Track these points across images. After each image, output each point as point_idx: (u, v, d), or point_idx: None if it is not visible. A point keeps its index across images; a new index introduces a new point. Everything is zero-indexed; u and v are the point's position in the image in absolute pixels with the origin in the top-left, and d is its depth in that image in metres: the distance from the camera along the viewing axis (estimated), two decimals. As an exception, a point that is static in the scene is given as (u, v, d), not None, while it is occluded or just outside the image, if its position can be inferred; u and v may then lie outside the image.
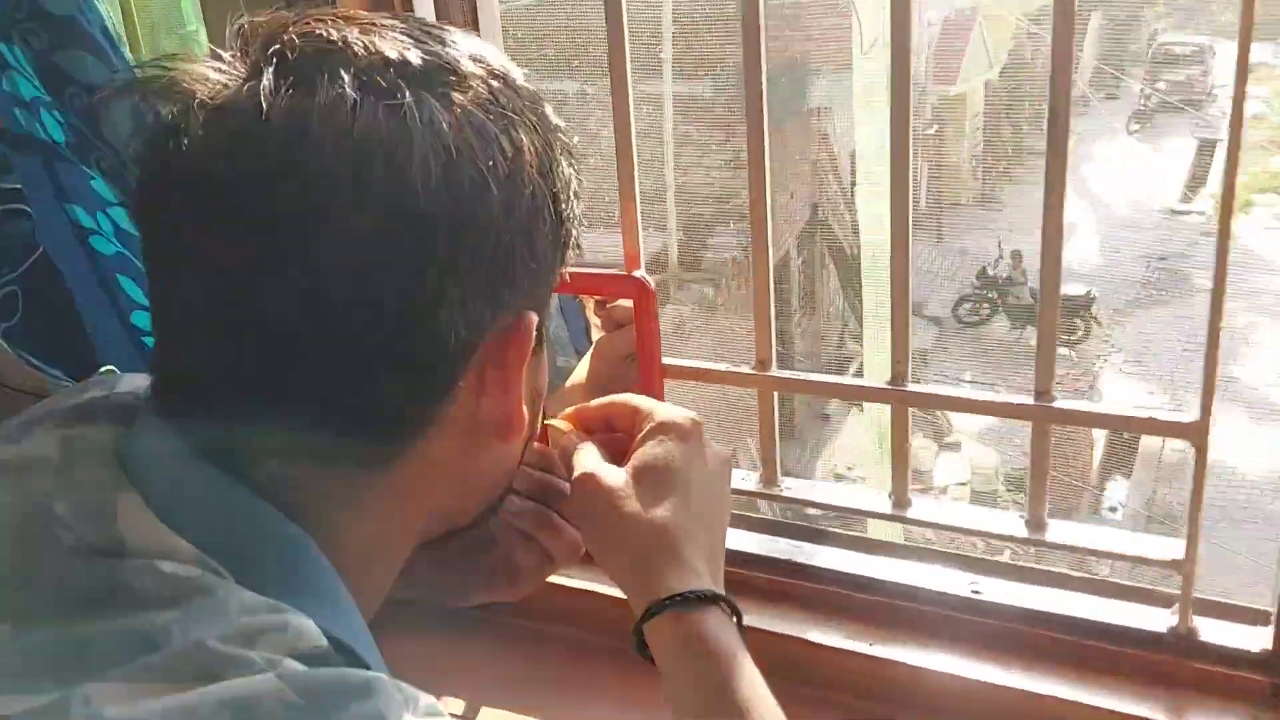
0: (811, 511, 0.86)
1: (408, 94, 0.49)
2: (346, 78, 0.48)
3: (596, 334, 0.84)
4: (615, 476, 0.63)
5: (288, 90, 0.48)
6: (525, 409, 0.57)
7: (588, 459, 0.65)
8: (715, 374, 0.81)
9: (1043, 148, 0.68)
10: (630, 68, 0.77)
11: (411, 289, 0.49)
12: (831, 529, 0.83)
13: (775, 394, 0.80)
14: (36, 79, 0.73)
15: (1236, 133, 0.64)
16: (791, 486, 0.82)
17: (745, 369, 0.80)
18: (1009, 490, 6.67)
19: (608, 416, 0.69)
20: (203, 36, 0.91)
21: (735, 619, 0.60)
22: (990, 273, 9.39)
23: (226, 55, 0.51)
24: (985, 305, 8.76)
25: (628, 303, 0.79)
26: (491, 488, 0.64)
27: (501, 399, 0.55)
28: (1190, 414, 0.67)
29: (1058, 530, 0.74)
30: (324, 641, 0.46)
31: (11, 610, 0.48)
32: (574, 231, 0.58)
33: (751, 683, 0.59)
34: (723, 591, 0.61)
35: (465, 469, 0.58)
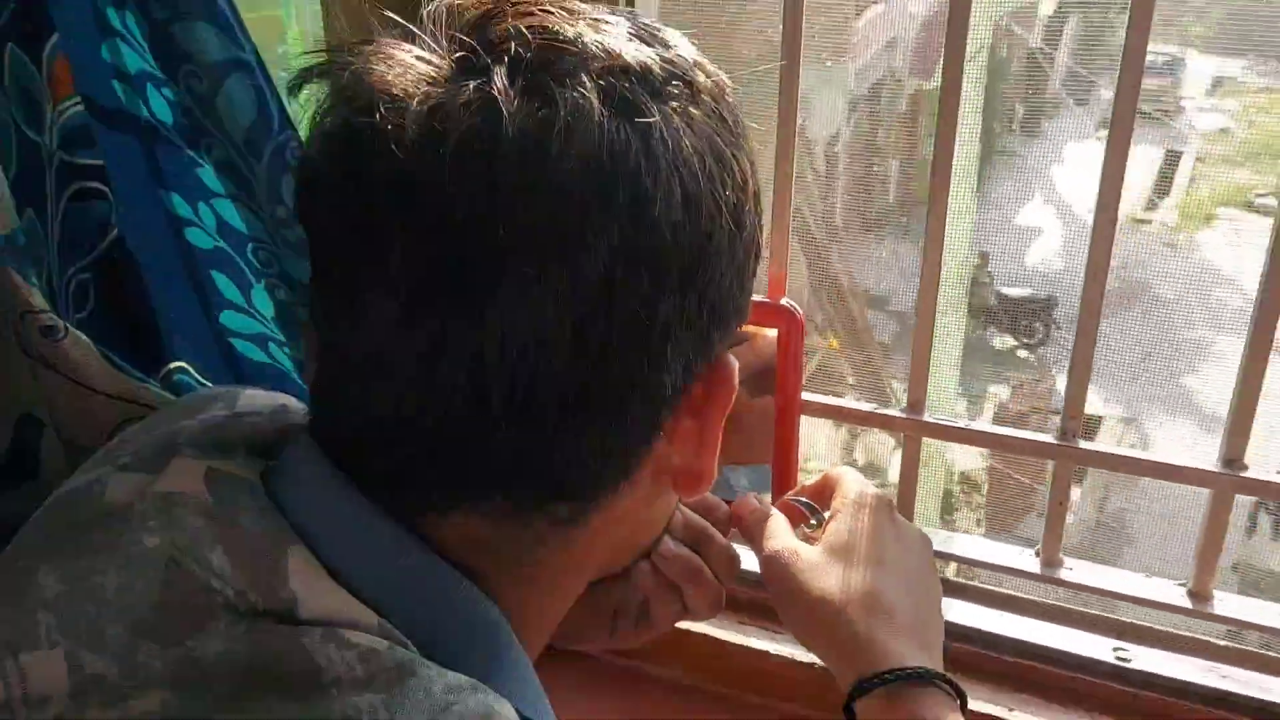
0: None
1: (654, 110, 0.42)
2: (589, 86, 0.41)
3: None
4: (812, 553, 0.59)
5: (523, 97, 0.41)
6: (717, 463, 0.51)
7: (781, 532, 0.60)
8: (858, 414, 0.75)
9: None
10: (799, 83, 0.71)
11: (636, 336, 0.43)
12: (969, 583, 0.78)
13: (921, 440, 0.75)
14: (149, 51, 0.65)
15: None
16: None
17: (894, 412, 0.74)
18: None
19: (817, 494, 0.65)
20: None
21: (959, 700, 0.55)
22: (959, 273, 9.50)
23: (425, 39, 0.43)
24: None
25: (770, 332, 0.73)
26: (653, 534, 0.59)
27: (697, 451, 0.49)
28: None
29: (1224, 603, 0.70)
30: None
31: (169, 675, 0.42)
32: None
33: None
34: (942, 670, 0.56)
35: (638, 520, 0.53)
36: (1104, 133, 0.65)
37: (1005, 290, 5.25)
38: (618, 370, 0.43)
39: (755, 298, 0.75)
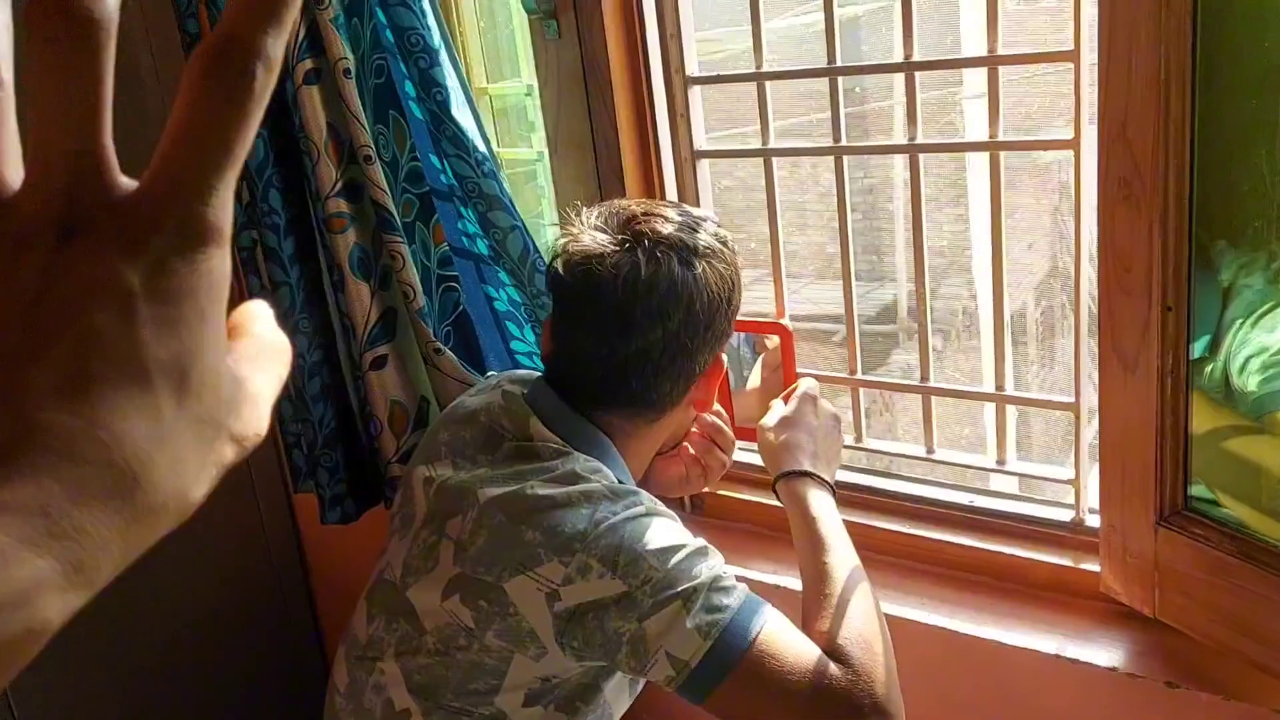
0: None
1: (698, 265, 1.12)
2: (673, 256, 1.10)
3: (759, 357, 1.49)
4: (772, 421, 1.28)
5: (647, 260, 1.10)
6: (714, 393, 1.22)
7: (767, 416, 1.30)
8: (821, 378, 1.44)
9: None
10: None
11: (689, 346, 1.14)
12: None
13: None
14: (477, 224, 1.47)
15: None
16: (869, 443, 1.44)
17: (840, 374, 1.43)
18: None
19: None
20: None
21: (831, 493, 1.21)
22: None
23: (596, 225, 1.15)
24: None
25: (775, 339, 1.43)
26: (680, 433, 1.30)
27: (708, 391, 1.20)
28: None
29: (1015, 466, 1.33)
30: (617, 481, 1.14)
31: (489, 462, 1.18)
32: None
33: (831, 521, 1.14)
34: (823, 476, 1.20)
35: (679, 422, 1.25)
36: None
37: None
38: (678, 364, 1.15)
39: (766, 320, 1.44)
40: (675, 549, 1.03)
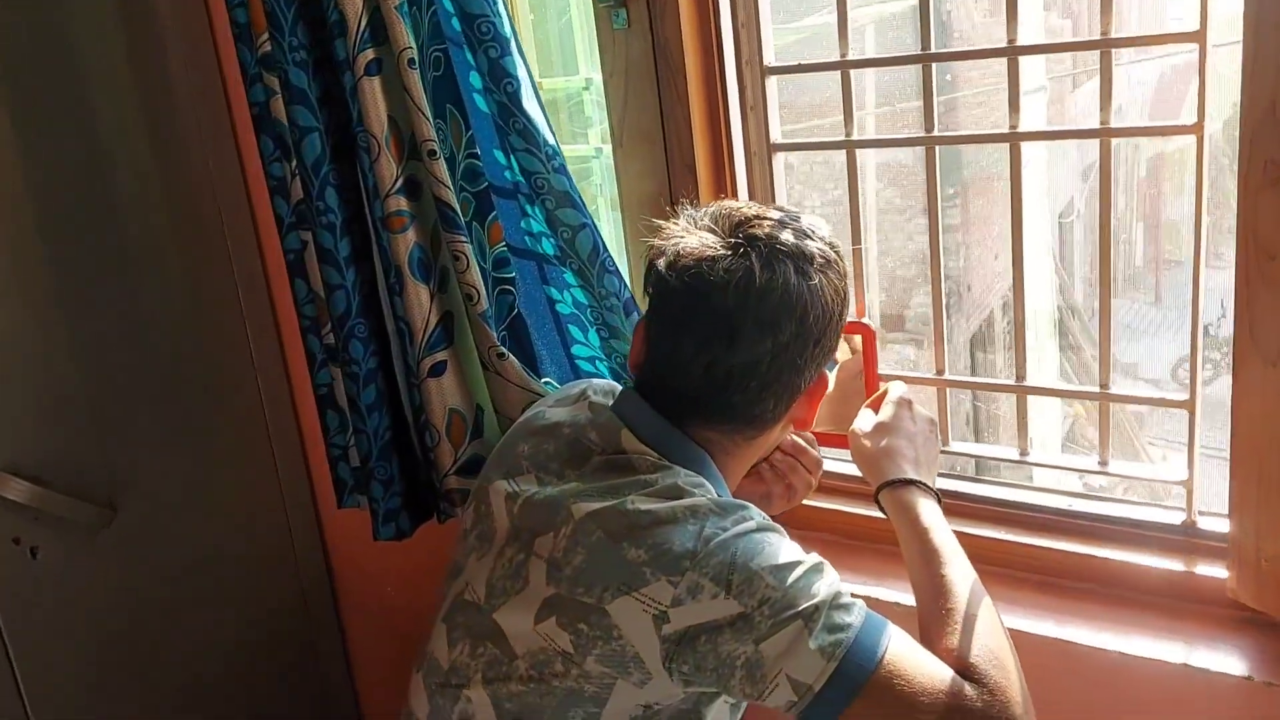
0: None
1: (814, 275, 1.04)
2: (789, 264, 1.03)
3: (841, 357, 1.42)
4: (867, 427, 1.21)
5: (760, 267, 1.02)
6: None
7: (859, 419, 1.23)
8: (908, 379, 1.38)
9: None
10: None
11: (797, 362, 1.06)
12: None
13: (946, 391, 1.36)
14: (544, 223, 1.40)
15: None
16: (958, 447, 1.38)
17: (927, 375, 1.37)
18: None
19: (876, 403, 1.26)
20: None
21: (938, 500, 1.14)
22: (1212, 332, 9.30)
23: (704, 225, 1.07)
24: (1207, 366, 8.69)
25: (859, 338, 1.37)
26: (774, 447, 1.23)
27: (809, 409, 1.13)
28: None
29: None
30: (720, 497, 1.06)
31: (577, 477, 1.10)
32: None
33: (943, 531, 1.08)
34: (927, 482, 1.14)
35: (778, 438, 1.17)
36: None
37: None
38: (784, 379, 1.07)
39: (850, 319, 1.38)
40: (791, 566, 0.96)
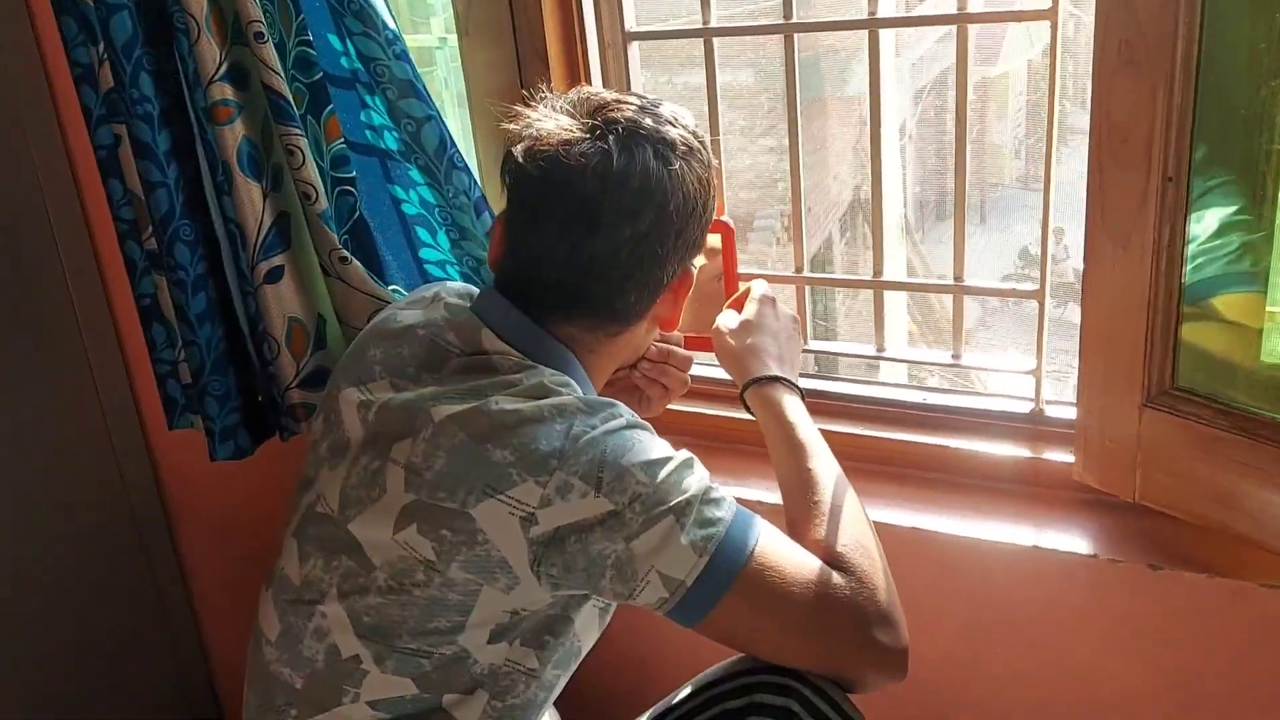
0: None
1: (676, 161, 1.00)
2: (648, 149, 0.98)
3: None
4: (731, 325, 1.19)
5: (619, 150, 0.98)
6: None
7: (722, 319, 1.21)
8: (770, 277, 1.36)
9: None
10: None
11: (658, 251, 1.01)
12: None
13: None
14: (386, 115, 1.31)
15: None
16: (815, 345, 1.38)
17: (786, 273, 1.35)
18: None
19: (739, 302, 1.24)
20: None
21: (800, 395, 1.13)
22: (1033, 251, 9.80)
23: (562, 109, 1.01)
24: (1027, 283, 9.19)
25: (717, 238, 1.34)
26: (644, 348, 1.19)
27: (674, 307, 1.09)
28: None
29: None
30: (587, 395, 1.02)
31: (434, 381, 1.04)
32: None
33: (808, 427, 1.08)
34: (791, 379, 1.13)
35: (642, 339, 1.14)
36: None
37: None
38: (645, 269, 1.02)
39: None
40: (662, 462, 0.93)
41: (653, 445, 0.95)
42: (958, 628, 1.24)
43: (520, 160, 1.00)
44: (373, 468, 0.99)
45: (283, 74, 1.21)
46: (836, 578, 0.94)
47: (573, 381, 1.01)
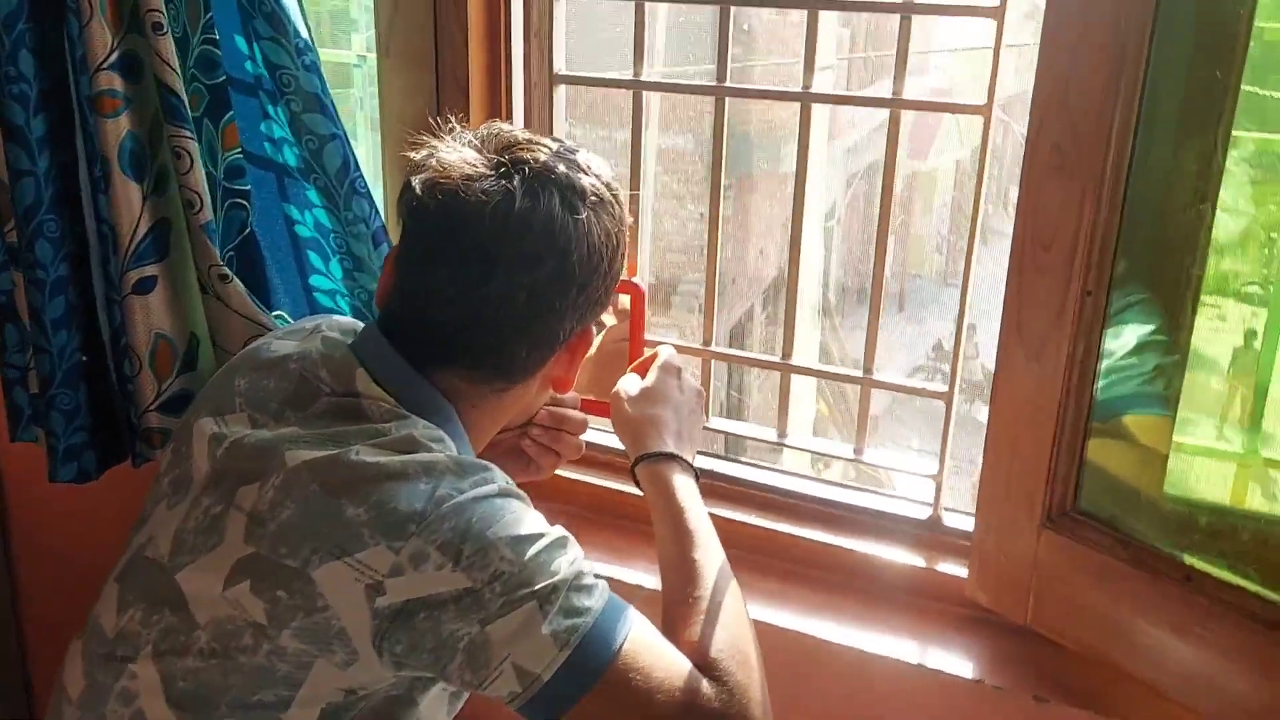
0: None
1: (584, 211, 0.92)
2: (555, 195, 0.91)
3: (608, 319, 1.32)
4: (632, 392, 1.11)
5: (523, 193, 0.90)
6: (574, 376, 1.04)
7: (623, 384, 1.13)
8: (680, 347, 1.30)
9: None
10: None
11: (556, 305, 0.93)
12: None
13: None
14: (287, 128, 1.22)
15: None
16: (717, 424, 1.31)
17: (695, 345, 1.29)
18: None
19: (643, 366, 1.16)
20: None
21: (694, 477, 1.05)
22: (946, 346, 10.00)
23: (469, 144, 0.93)
24: (938, 377, 9.36)
25: (626, 299, 1.27)
26: (529, 413, 1.11)
27: (569, 368, 1.01)
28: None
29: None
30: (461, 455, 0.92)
31: (298, 420, 0.94)
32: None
33: (699, 513, 1.00)
34: (687, 458, 1.05)
35: (532, 400, 1.05)
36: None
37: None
38: (541, 323, 0.94)
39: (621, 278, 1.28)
40: (533, 539, 0.85)
41: (525, 518, 0.87)
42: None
43: (418, 192, 0.92)
44: (214, 512, 0.89)
45: (179, 71, 1.12)
46: (706, 686, 0.86)
47: (448, 438, 0.92)
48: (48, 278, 1.21)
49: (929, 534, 1.20)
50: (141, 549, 0.94)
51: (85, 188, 1.22)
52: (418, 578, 0.82)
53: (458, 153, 0.92)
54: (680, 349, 1.25)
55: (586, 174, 0.95)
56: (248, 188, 1.23)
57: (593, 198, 0.94)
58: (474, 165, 0.91)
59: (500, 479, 0.89)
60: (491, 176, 0.91)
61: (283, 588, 0.83)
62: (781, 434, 1.29)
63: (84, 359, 1.27)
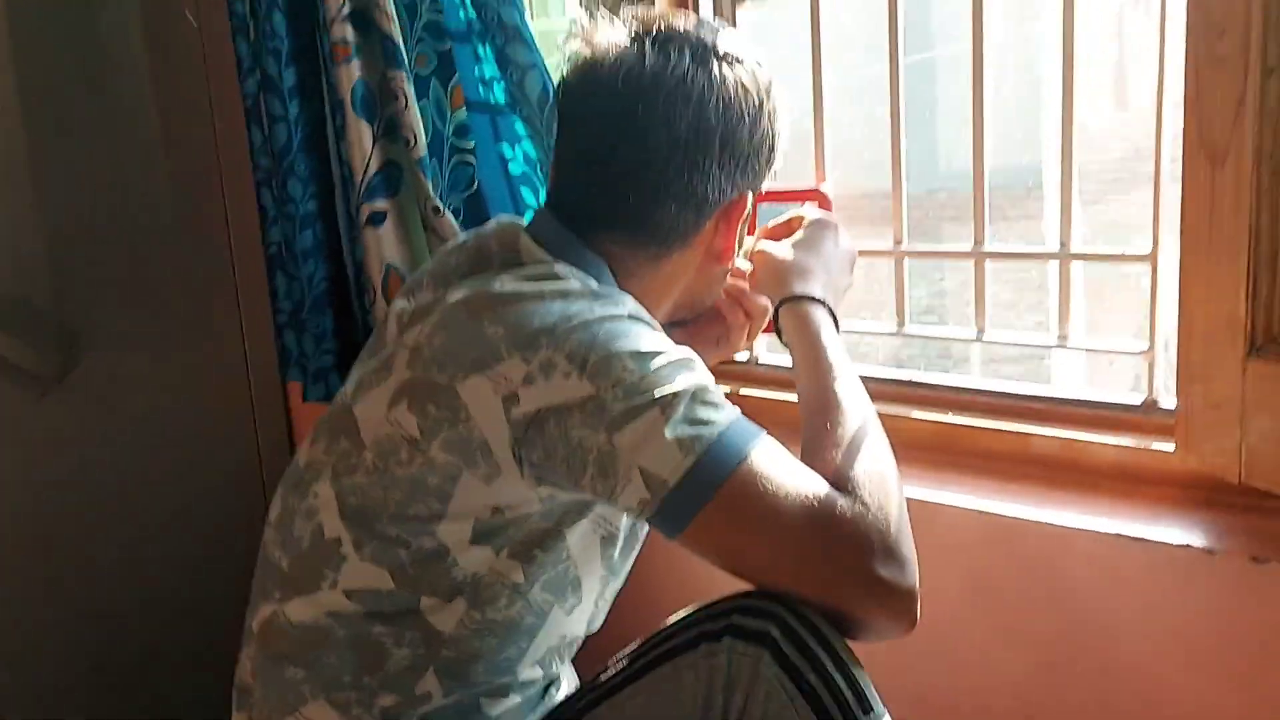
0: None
1: (714, 64, 0.96)
2: (686, 54, 0.95)
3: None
4: (780, 247, 1.10)
5: (658, 53, 0.95)
6: (736, 246, 1.05)
7: (765, 244, 1.13)
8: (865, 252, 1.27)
9: None
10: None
11: (700, 163, 0.96)
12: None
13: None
14: (494, 64, 1.35)
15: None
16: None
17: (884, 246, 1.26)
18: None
19: (790, 226, 1.16)
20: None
21: (835, 320, 1.03)
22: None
23: (615, 26, 0.99)
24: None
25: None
26: (706, 295, 1.10)
27: (726, 238, 1.02)
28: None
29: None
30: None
31: (480, 276, 1.01)
32: (779, 151, 1.03)
33: (840, 353, 0.97)
34: (830, 303, 1.03)
35: (695, 278, 1.06)
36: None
37: None
38: (683, 182, 0.97)
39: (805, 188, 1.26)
40: (655, 354, 0.86)
41: (651, 338, 0.88)
42: (1048, 630, 1.06)
43: (565, 76, 1.00)
44: (387, 355, 0.98)
45: (395, 17, 1.28)
46: (840, 500, 0.83)
47: (592, 279, 0.96)
48: (297, 213, 1.39)
49: (1145, 418, 1.08)
50: (337, 400, 1.04)
51: (331, 134, 1.40)
52: (547, 386, 0.86)
53: (602, 34, 0.98)
54: (867, 252, 1.22)
55: (721, 37, 0.98)
56: (472, 144, 1.36)
57: (728, 55, 0.96)
58: (616, 43, 0.97)
59: (632, 305, 0.92)
60: (626, 45, 0.96)
61: (432, 402, 0.90)
62: (980, 330, 1.21)
63: (328, 287, 1.43)
